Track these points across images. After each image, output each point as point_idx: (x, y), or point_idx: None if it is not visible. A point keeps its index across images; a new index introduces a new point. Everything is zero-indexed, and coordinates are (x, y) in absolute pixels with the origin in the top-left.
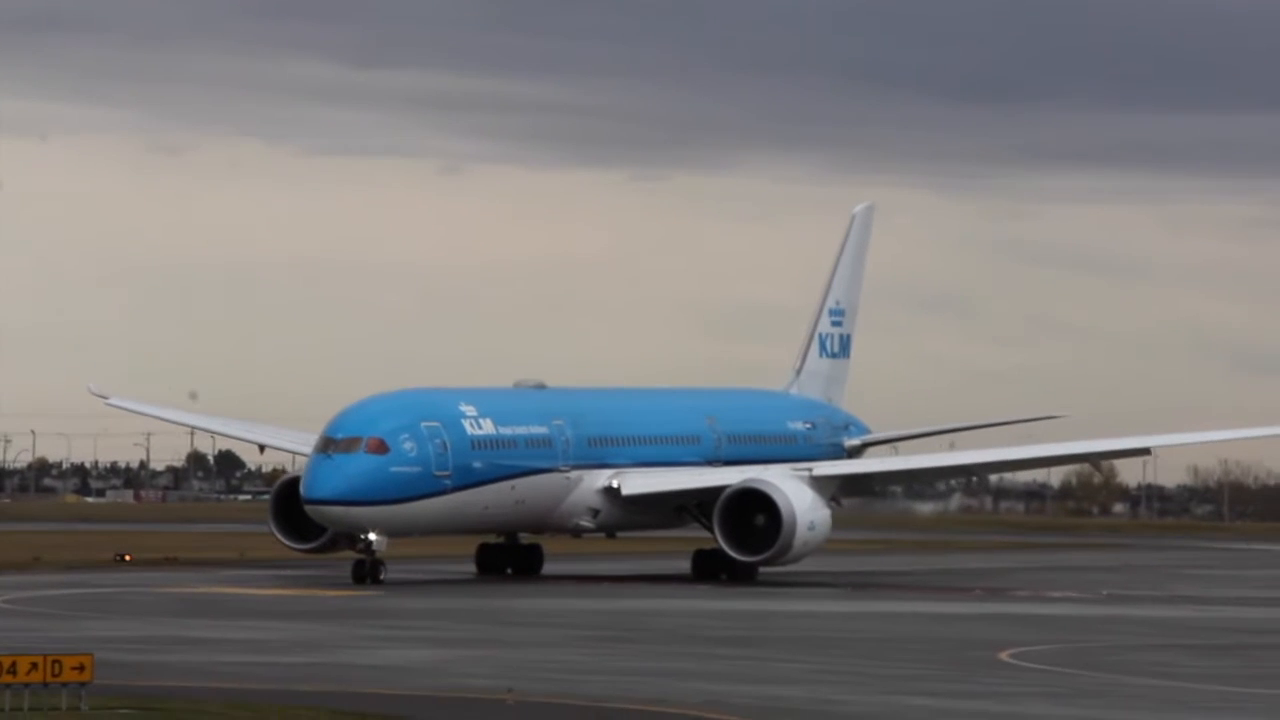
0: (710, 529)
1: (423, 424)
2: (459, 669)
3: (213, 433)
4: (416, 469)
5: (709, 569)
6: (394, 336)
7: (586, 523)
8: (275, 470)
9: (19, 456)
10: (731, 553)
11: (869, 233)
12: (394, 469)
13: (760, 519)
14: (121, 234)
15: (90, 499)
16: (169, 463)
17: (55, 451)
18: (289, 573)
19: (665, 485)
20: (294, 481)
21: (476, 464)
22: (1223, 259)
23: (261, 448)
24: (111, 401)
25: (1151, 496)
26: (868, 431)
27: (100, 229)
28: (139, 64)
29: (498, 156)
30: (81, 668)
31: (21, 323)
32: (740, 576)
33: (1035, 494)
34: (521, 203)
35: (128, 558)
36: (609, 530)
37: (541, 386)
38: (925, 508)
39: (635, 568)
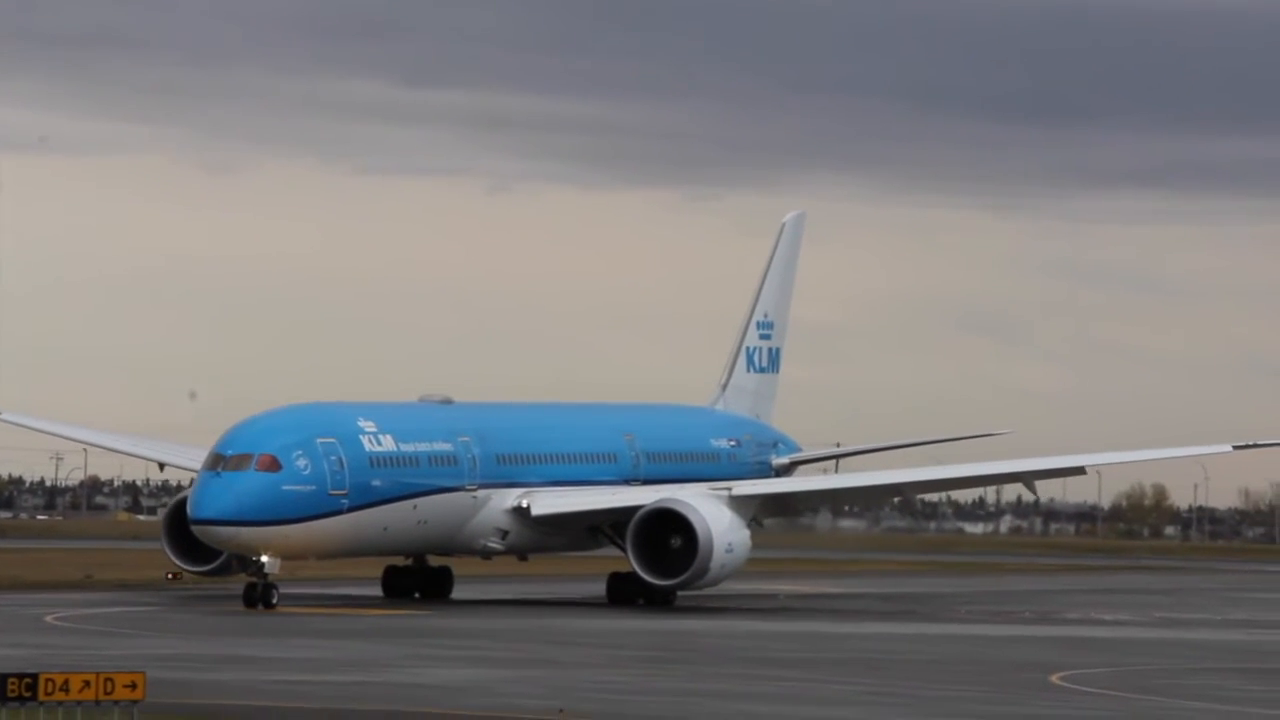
0: (625, 551)
1: (318, 440)
2: (510, 689)
3: (110, 450)
4: (311, 487)
5: (625, 593)
6: (442, 355)
7: (495, 544)
8: None
9: (71, 474)
10: (646, 576)
11: (799, 243)
12: (286, 487)
13: (676, 541)
14: (176, 253)
15: (142, 517)
16: None
17: (107, 469)
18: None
19: (577, 505)
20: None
21: (375, 482)
22: (1274, 280)
23: (161, 465)
24: (4, 417)
25: (1202, 519)
26: (798, 449)
27: (154, 247)
28: (192, 82)
29: (549, 176)
30: (134, 686)
31: (75, 340)
32: (657, 600)
33: (1086, 516)
34: (571, 222)
35: (180, 576)
36: (519, 552)
37: (448, 401)
38: (975, 529)
39: (548, 591)
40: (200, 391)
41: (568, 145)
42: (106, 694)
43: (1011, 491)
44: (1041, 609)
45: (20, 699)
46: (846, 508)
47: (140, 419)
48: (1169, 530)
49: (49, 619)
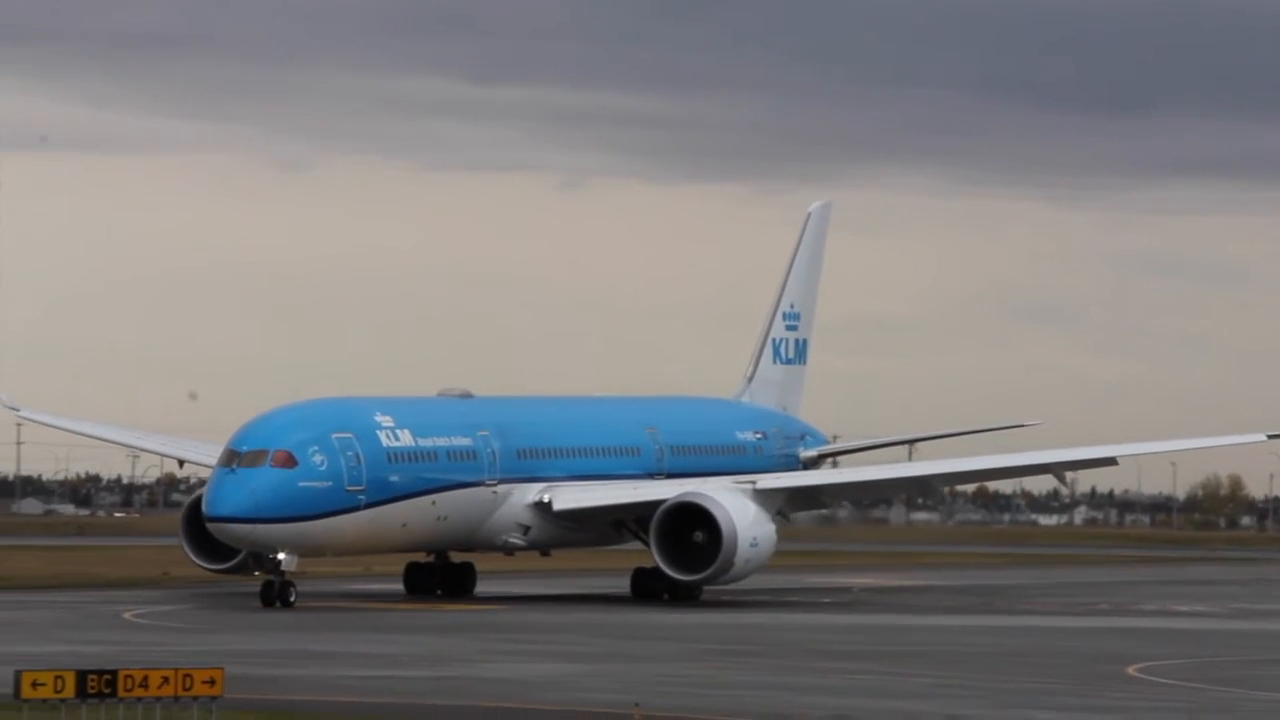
0: (649, 546)
1: (334, 435)
2: (584, 683)
3: (129, 447)
4: (327, 483)
5: (649, 588)
6: (514, 351)
7: (516, 540)
8: None
9: (147, 471)
10: (670, 571)
11: (825, 232)
12: (302, 483)
13: (700, 535)
14: (244, 251)
15: None
16: None
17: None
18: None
19: (600, 500)
20: None
21: (393, 478)
22: None
23: (181, 463)
24: (24, 414)
25: (1279, 509)
26: (826, 441)
27: (223, 246)
28: (260, 81)
29: (619, 171)
30: (212, 681)
31: (154, 340)
32: (681, 596)
33: (1161, 506)
34: (643, 217)
35: (257, 573)
36: (542, 548)
37: (468, 395)
38: (1050, 521)
39: (573, 587)
40: (267, 389)
41: (638, 140)
42: (185, 690)
43: (1086, 483)
44: (1117, 601)
45: (100, 695)
46: (920, 500)
47: (217, 418)
48: (1245, 520)
49: (127, 615)
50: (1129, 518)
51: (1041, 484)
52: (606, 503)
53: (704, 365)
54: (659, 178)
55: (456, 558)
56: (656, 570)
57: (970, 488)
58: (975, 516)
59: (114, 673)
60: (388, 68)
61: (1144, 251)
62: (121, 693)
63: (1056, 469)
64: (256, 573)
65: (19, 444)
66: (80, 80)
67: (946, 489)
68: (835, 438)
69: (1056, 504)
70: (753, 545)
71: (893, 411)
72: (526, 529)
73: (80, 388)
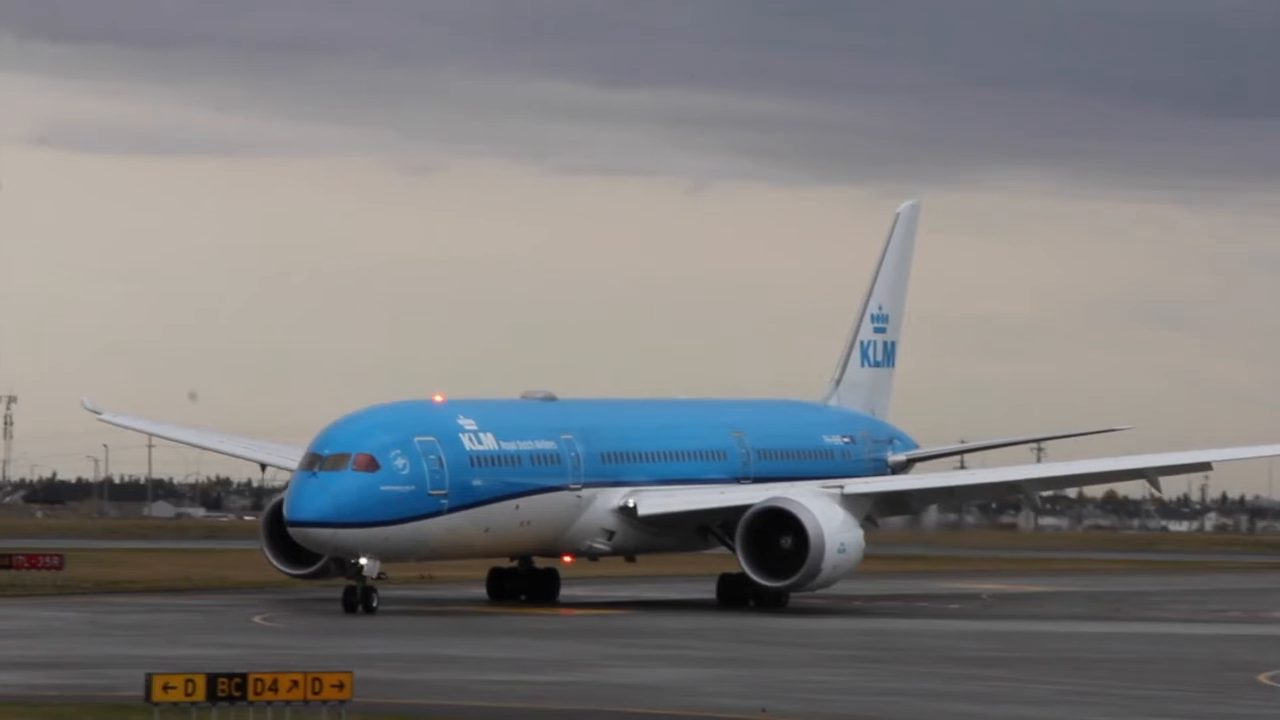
0: (735, 551)
1: (416, 439)
2: (711, 688)
3: (209, 449)
4: (410, 488)
5: (735, 594)
6: (643, 353)
7: (601, 545)
8: None
9: (277, 475)
10: (756, 577)
11: (914, 233)
12: (385, 488)
13: (787, 541)
14: (376, 254)
15: None
16: None
17: None
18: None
19: (685, 504)
20: None
21: (476, 482)
22: None
23: (263, 466)
24: (104, 417)
25: None
26: (915, 446)
27: (355, 249)
28: (390, 85)
29: (745, 174)
30: (341, 685)
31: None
32: (767, 603)
33: None
34: (767, 219)
35: (383, 576)
36: (627, 553)
37: (551, 398)
38: (1179, 527)
39: (657, 593)
40: (395, 392)
41: (763, 143)
42: (315, 694)
43: (1216, 488)
44: (1248, 608)
45: (230, 699)
46: (1048, 505)
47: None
48: None
49: (257, 619)
50: (1260, 523)
51: (1172, 489)
52: (692, 507)
53: (813, 368)
54: (783, 180)
55: (540, 563)
56: (742, 576)
57: (1099, 494)
58: (1104, 522)
59: (244, 676)
60: (516, 72)
61: (1271, 254)
62: (251, 696)
63: (1149, 474)
64: (343, 576)
65: (150, 448)
66: (212, 85)
67: (1074, 494)
68: (963, 441)
69: (1187, 509)
70: (841, 551)
71: (1014, 414)
72: (611, 534)
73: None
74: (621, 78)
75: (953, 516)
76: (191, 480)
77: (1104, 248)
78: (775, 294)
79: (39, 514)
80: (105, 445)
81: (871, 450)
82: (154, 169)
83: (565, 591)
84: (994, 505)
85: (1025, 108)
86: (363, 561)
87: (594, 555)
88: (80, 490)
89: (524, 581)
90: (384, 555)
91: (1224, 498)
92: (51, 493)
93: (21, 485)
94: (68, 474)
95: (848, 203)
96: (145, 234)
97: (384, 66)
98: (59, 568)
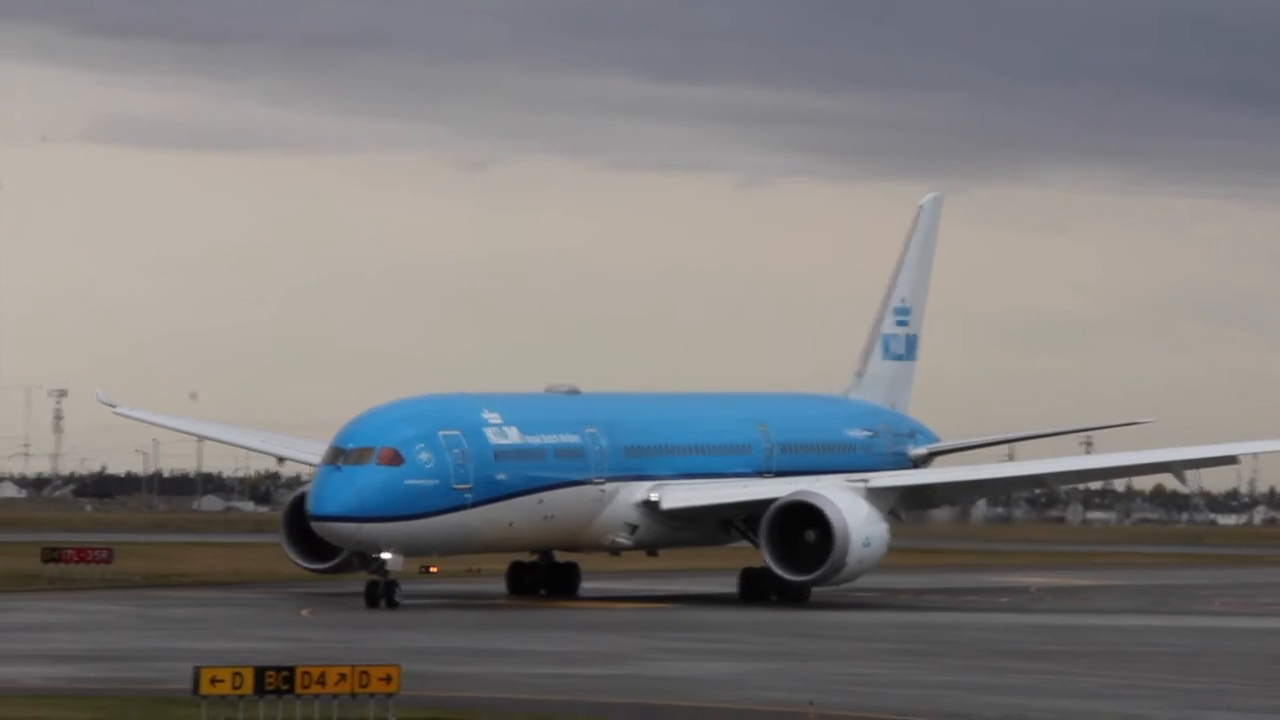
0: (758, 545)
1: (440, 433)
2: (758, 681)
3: (222, 442)
4: (434, 482)
5: (758, 589)
6: (691, 347)
7: (624, 539)
8: None
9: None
10: (780, 571)
11: (937, 226)
12: (409, 482)
13: (811, 535)
14: (430, 250)
15: None
16: None
17: None
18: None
19: (709, 498)
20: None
21: (500, 476)
22: None
23: (281, 459)
24: (119, 410)
25: None
26: (936, 440)
27: (406, 245)
28: (443, 80)
29: (798, 169)
30: (388, 679)
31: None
32: (791, 597)
33: None
34: (817, 215)
35: (433, 569)
36: (649, 547)
37: (575, 392)
38: (1228, 520)
39: (679, 587)
40: (454, 387)
41: (815, 139)
42: (362, 687)
43: (1264, 482)
44: None
45: (278, 691)
46: (1096, 499)
47: None
48: None
49: (304, 613)
50: None
51: (1220, 482)
52: (716, 501)
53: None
54: (837, 176)
55: (561, 558)
56: (766, 570)
57: (1147, 488)
58: (1153, 516)
59: (291, 669)
60: (570, 67)
61: None
62: (299, 689)
63: (1175, 467)
64: (365, 570)
65: (200, 441)
66: (265, 81)
67: (1122, 486)
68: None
69: (1235, 503)
70: (865, 545)
71: (1066, 410)
72: (634, 528)
73: (258, 384)
74: (676, 74)
75: (1001, 510)
76: (240, 474)
77: (1162, 244)
78: (818, 289)
79: (88, 508)
80: (155, 440)
81: (893, 444)
82: (206, 164)
83: (585, 585)
84: (1042, 499)
85: (1082, 103)
86: (385, 556)
87: (616, 550)
88: (129, 484)
89: (544, 575)
90: (407, 550)
91: (1272, 491)
92: (101, 487)
93: (71, 479)
94: (117, 468)
95: (899, 198)
96: (195, 229)
97: (437, 62)
98: (108, 561)
